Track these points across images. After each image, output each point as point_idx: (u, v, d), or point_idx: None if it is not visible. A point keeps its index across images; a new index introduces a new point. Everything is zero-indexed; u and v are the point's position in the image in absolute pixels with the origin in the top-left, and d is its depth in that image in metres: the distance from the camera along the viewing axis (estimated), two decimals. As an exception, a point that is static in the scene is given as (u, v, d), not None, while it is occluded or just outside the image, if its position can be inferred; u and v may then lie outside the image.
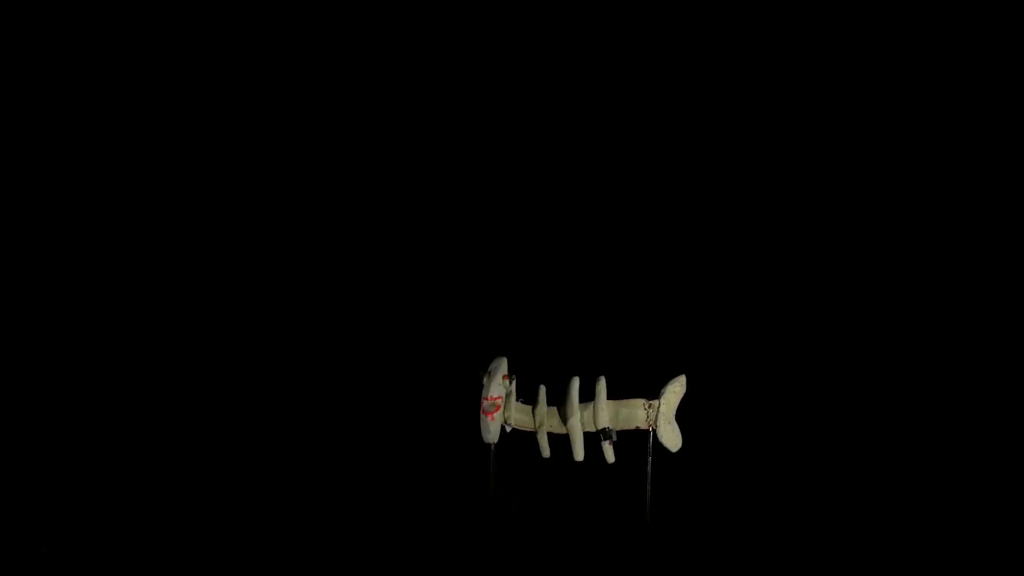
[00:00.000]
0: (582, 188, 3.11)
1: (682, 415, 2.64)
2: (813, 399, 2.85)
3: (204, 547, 2.60)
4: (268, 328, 3.17)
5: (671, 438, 2.64)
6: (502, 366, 2.69)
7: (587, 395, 2.66)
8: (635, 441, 2.65)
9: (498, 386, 2.65)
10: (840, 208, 2.95)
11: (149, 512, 2.70)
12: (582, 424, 2.64)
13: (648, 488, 2.64)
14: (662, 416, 2.63)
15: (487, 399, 2.65)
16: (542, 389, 2.69)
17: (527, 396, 2.70)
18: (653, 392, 2.64)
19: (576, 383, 2.65)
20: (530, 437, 2.69)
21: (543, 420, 2.67)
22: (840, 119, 2.99)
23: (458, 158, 3.18)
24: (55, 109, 3.19)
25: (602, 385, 2.65)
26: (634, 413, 2.63)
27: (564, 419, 2.65)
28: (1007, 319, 2.87)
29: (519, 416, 2.69)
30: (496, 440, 2.68)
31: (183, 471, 2.84)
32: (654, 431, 2.63)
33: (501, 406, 2.65)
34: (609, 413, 2.63)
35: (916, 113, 2.96)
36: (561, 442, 2.67)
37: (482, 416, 2.65)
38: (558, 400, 2.67)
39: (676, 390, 2.64)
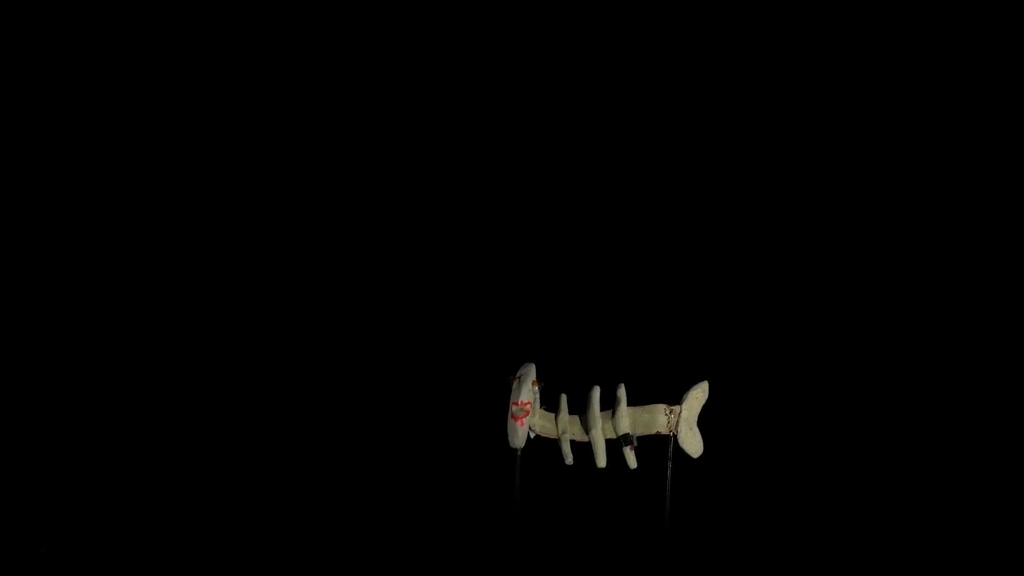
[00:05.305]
0: (606, 197, 3.13)
1: (704, 421, 2.64)
2: (834, 406, 2.85)
3: (203, 549, 2.57)
4: (288, 332, 3.15)
5: (692, 444, 2.64)
6: (531, 371, 2.67)
7: (608, 401, 2.65)
8: (656, 446, 2.65)
9: (528, 391, 2.64)
10: (862, 216, 2.99)
11: (149, 512, 2.67)
12: (603, 432, 2.64)
13: (668, 493, 2.63)
14: (684, 422, 2.63)
15: (517, 404, 2.63)
16: (563, 398, 2.69)
17: (549, 403, 2.69)
18: (676, 398, 2.64)
19: (597, 392, 2.66)
20: (553, 443, 2.69)
21: (565, 428, 2.67)
22: (868, 127, 3.03)
23: (478, 163, 3.20)
24: (55, 109, 3.19)
25: (622, 392, 2.65)
26: (655, 418, 2.64)
27: (586, 428, 2.65)
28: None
29: (543, 423, 2.68)
30: (522, 445, 2.66)
31: (184, 474, 2.80)
32: (675, 436, 2.62)
33: (530, 411, 2.63)
34: (630, 419, 2.63)
35: (937, 116, 3.01)
36: (583, 448, 2.67)
37: (511, 421, 2.64)
38: (580, 407, 2.67)
39: (698, 396, 2.65)
